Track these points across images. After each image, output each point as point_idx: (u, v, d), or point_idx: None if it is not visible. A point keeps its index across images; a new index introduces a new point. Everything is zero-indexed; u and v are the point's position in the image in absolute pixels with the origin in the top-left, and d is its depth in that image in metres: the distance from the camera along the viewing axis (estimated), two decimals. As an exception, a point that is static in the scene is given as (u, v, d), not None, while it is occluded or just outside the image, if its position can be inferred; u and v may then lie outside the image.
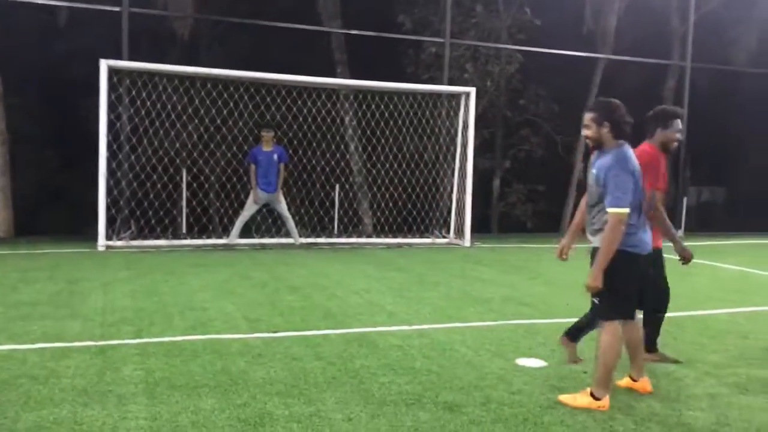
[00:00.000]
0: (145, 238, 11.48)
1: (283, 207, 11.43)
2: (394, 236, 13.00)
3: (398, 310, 6.88)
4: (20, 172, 14.41)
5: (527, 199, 17.82)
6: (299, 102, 12.30)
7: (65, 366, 4.73)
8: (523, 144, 17.71)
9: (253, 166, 11.19)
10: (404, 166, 13.21)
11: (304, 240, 11.91)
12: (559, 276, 9.09)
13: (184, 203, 12.43)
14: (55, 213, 15.66)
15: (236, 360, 4.97)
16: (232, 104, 12.08)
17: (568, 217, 18.08)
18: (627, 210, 4.02)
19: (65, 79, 15.24)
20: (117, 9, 11.82)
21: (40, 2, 12.21)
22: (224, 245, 11.42)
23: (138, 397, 4.16)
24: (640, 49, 16.92)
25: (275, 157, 11.20)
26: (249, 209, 11.32)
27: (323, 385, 4.48)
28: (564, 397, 4.30)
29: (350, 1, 16.02)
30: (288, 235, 11.69)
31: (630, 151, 4.20)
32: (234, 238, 11.38)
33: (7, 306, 6.61)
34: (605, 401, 4.18)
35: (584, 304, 4.69)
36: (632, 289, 4.23)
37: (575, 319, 5.00)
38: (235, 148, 12.56)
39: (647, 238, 4.28)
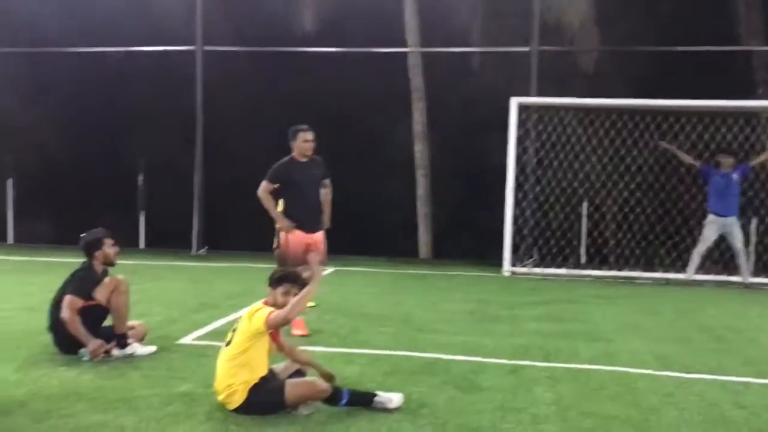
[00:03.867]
0: (547, 266, 11.85)
1: (737, 238, 10.44)
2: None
3: (840, 367, 5.89)
4: (437, 202, 16.19)
5: None
6: (712, 128, 11.41)
7: (483, 379, 5.15)
8: None
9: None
10: None
11: (753, 279, 10.69)
12: None
13: (583, 234, 12.52)
14: (463, 238, 17.16)
15: (646, 396, 4.83)
16: (637, 134, 11.79)
17: None
18: None
19: (476, 116, 16.66)
20: (526, 49, 12.57)
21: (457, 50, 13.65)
22: (680, 281, 10.77)
23: (551, 419, 4.32)
24: None
25: (734, 176, 10.40)
26: (705, 242, 10.56)
27: (748, 436, 4.09)
28: None
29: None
30: (736, 270, 10.63)
31: None
32: (691, 274, 10.70)
33: (442, 313, 7.45)
34: None
35: None
36: None
37: None
38: (639, 178, 12.19)
39: None
